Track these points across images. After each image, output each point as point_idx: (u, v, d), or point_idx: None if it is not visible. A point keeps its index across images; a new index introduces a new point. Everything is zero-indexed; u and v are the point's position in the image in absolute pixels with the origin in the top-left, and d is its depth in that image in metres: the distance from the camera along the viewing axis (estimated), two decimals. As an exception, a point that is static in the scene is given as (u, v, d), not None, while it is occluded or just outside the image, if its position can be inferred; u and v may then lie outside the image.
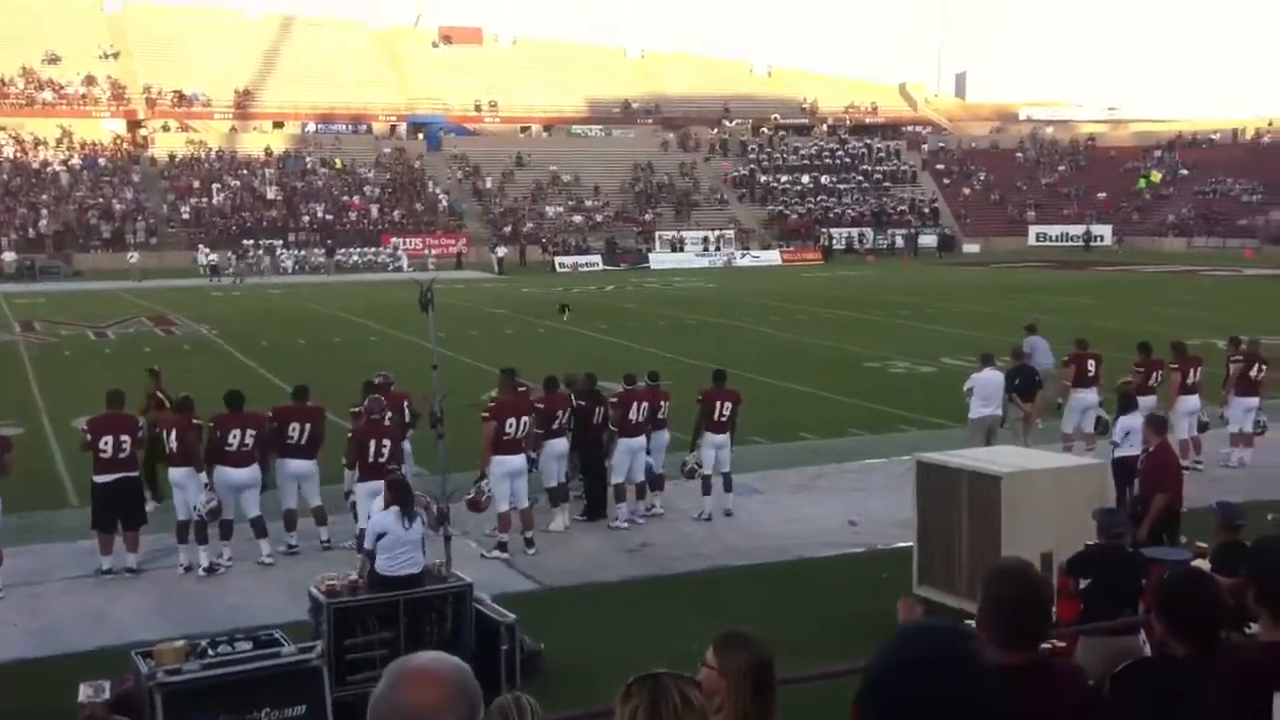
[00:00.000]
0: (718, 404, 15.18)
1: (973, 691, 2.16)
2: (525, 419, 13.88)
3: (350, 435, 13.56)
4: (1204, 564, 6.95)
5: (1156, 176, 77.98)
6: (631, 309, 41.32)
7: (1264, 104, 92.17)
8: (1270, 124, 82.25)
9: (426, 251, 65.54)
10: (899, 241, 71.81)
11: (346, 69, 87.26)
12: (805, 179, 79.48)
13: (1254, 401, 17.51)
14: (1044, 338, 19.99)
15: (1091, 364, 17.86)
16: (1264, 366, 17.69)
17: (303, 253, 64.17)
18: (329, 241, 65.38)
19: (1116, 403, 15.16)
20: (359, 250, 65.49)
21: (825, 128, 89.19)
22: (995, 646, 3.60)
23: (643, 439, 14.87)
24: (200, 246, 60.56)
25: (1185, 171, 77.72)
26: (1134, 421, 14.63)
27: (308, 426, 13.86)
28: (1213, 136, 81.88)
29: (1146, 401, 16.75)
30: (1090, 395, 17.67)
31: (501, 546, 13.50)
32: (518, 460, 13.77)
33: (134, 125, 78.97)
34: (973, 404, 16.83)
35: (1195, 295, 42.40)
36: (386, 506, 10.07)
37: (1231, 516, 8.84)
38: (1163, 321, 32.55)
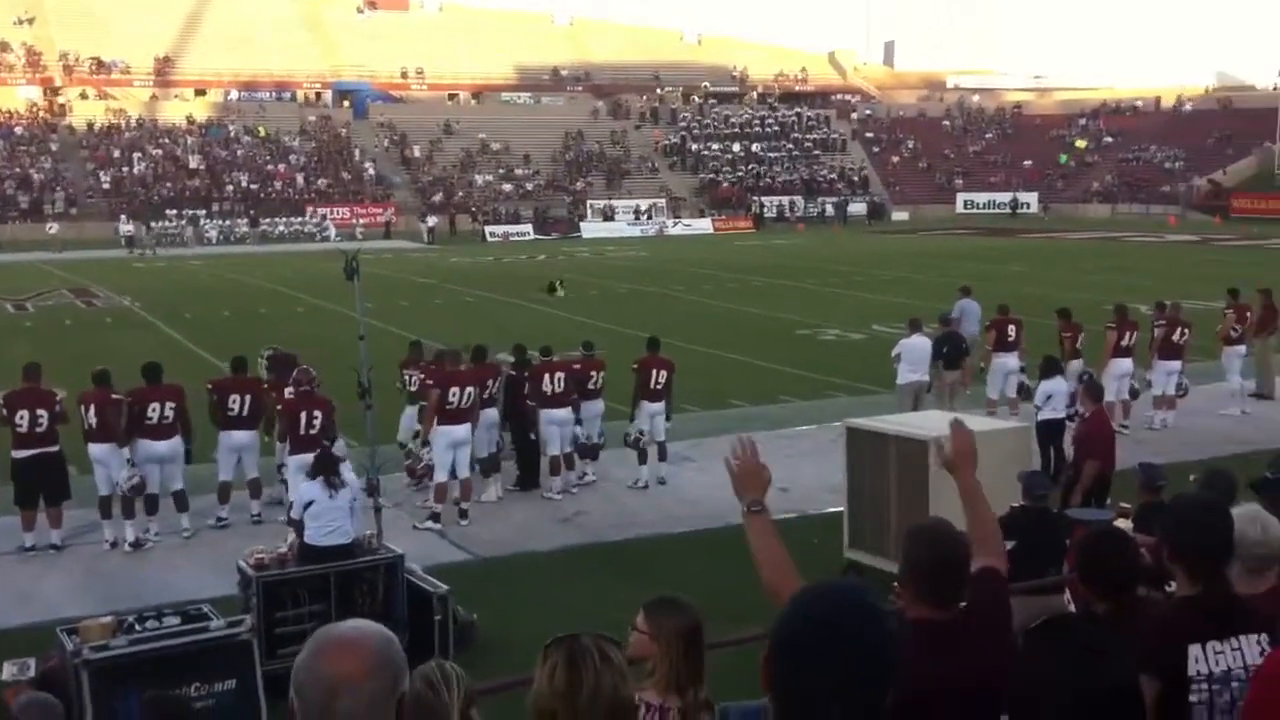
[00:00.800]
0: (653, 372, 15.19)
1: (874, 644, 2.19)
2: (470, 389, 13.81)
3: (280, 409, 13.40)
4: (1126, 524, 7.08)
5: (1082, 144, 79.00)
6: (564, 278, 41.18)
7: (1185, 72, 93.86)
8: (1210, 90, 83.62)
9: (354, 221, 64.77)
10: (829, 209, 72.21)
11: (270, 35, 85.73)
12: (736, 147, 79.57)
13: (1176, 365, 17.84)
14: (976, 302, 20.22)
15: (1012, 329, 18.09)
16: (1186, 330, 18.03)
17: (227, 223, 63.15)
18: (252, 211, 64.35)
19: (1040, 367, 15.38)
20: (285, 220, 64.57)
21: (755, 96, 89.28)
22: (917, 604, 3.66)
23: (565, 410, 14.80)
24: (121, 217, 59.37)
25: (1109, 139, 78.83)
26: (1056, 385, 14.87)
27: (248, 398, 13.71)
28: (1136, 104, 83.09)
29: (1072, 366, 17.04)
30: (1011, 360, 17.89)
31: (435, 518, 13.43)
32: (461, 430, 13.71)
33: (51, 93, 77.06)
34: (900, 370, 17.01)
35: (1120, 261, 43.10)
36: (312, 477, 10.00)
37: (1153, 477, 9.03)
38: (1088, 288, 33.07)
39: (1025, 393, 17.71)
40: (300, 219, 65.00)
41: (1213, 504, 4.19)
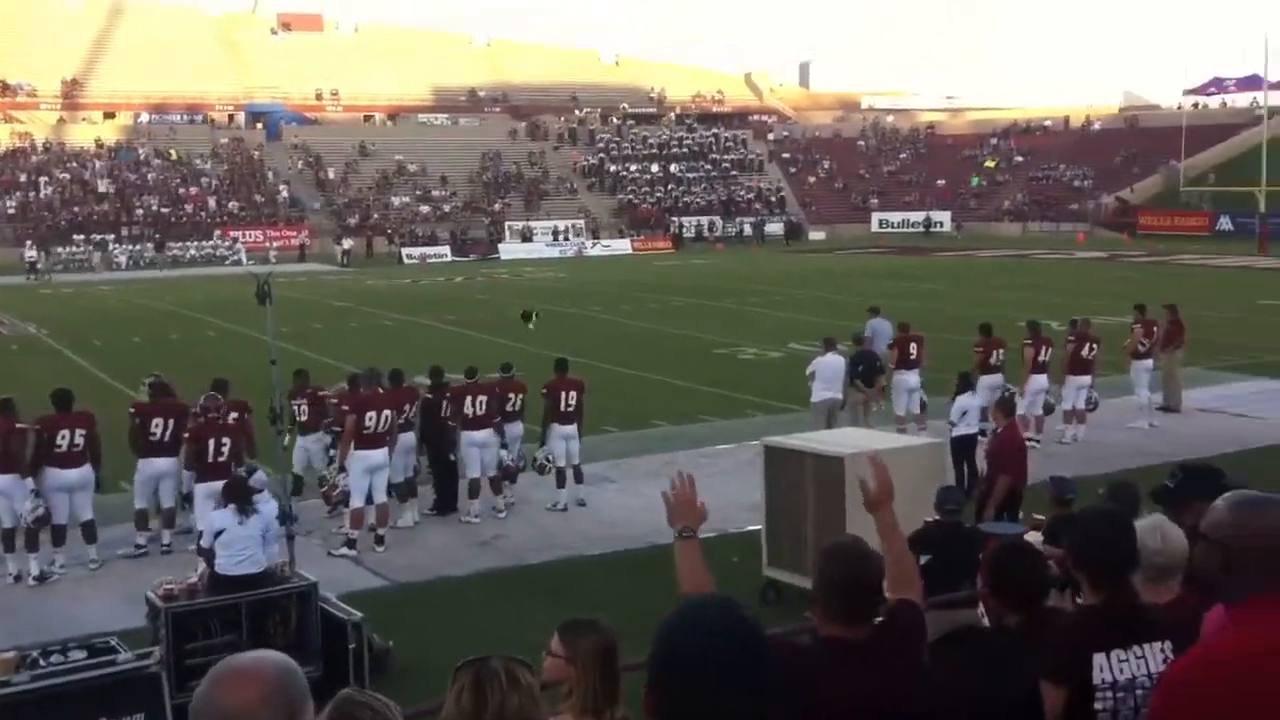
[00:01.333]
0: (562, 394, 15.13)
1: (745, 655, 2.19)
2: (387, 413, 13.66)
3: (187, 436, 13.14)
4: (1037, 537, 7.18)
5: (992, 163, 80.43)
6: (482, 300, 41.02)
7: (1093, 92, 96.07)
8: (1118, 110, 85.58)
9: (267, 244, 63.96)
10: (747, 229, 72.74)
11: (181, 57, 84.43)
12: (655, 168, 79.89)
13: (1086, 380, 18.17)
14: (886, 320, 20.45)
15: (913, 347, 18.33)
16: (1095, 346, 18.38)
17: (137, 247, 61.99)
18: (157, 236, 63.11)
19: (955, 383, 15.58)
20: (196, 244, 63.56)
21: (673, 117, 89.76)
22: (829, 623, 3.67)
23: (487, 432, 14.70)
24: (27, 243, 58.03)
25: (1020, 158, 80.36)
26: (970, 401, 15.08)
27: (170, 423, 13.43)
28: (1045, 124, 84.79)
29: (990, 380, 17.30)
30: (912, 377, 18.13)
31: (350, 544, 13.25)
32: (378, 455, 13.54)
33: (-46, 116, 75.28)
34: (814, 388, 17.13)
35: (1031, 278, 43.89)
36: (223, 505, 9.82)
37: (1063, 490, 9.18)
38: (1001, 305, 33.62)
39: (923, 409, 17.99)
40: (212, 243, 64.05)
41: (1115, 516, 4.26)
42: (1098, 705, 3.83)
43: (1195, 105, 75.48)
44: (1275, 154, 56.34)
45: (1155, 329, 19.73)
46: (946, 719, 3.72)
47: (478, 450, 14.63)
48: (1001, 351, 18.09)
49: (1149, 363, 19.43)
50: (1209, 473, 5.83)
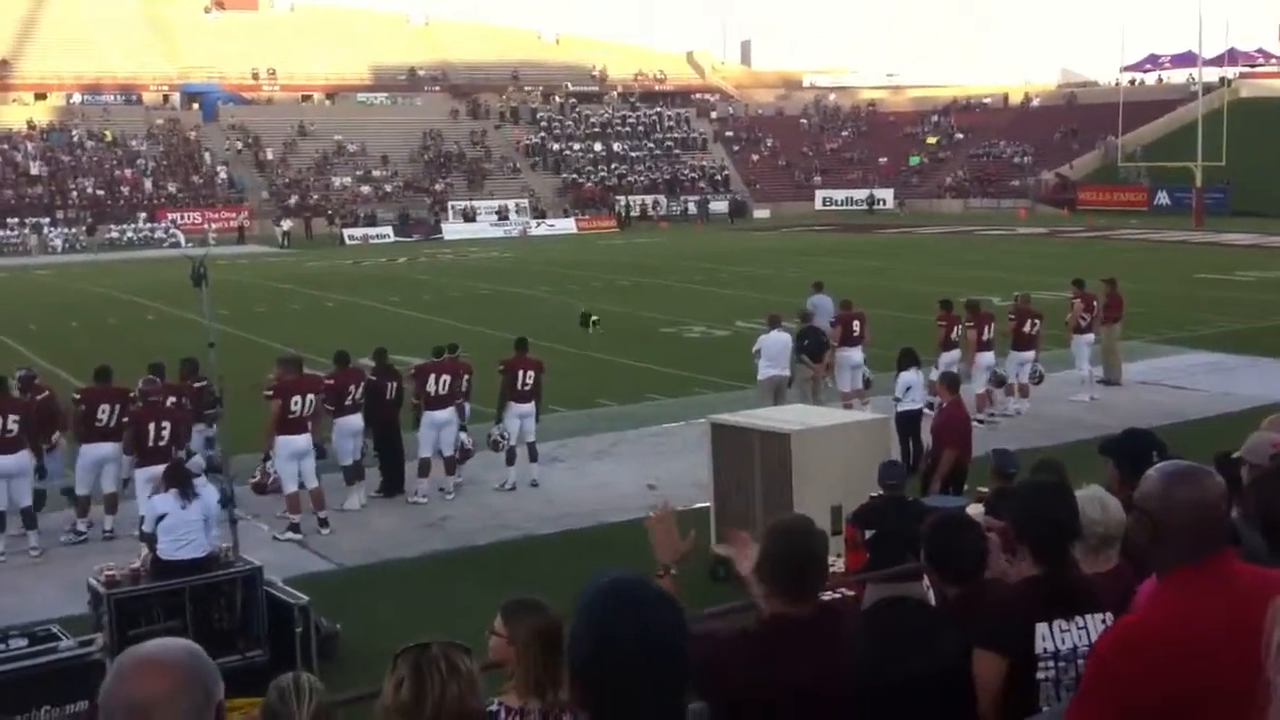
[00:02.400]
0: (520, 373, 15.09)
1: (655, 629, 2.21)
2: (311, 397, 13.54)
3: (127, 419, 12.98)
4: (979, 510, 7.26)
5: (933, 140, 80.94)
6: (425, 280, 40.77)
7: (1032, 69, 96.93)
8: (1056, 87, 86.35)
9: (206, 226, 63.14)
10: (691, 208, 72.77)
11: (113, 37, 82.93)
12: (598, 147, 79.66)
13: (1029, 355, 18.37)
14: (829, 297, 20.55)
15: (857, 324, 18.46)
16: (1037, 321, 18.55)
17: (72, 230, 60.98)
18: (89, 219, 61.99)
19: (897, 359, 15.70)
20: (133, 226, 62.61)
21: (616, 95, 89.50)
22: (773, 600, 3.71)
23: (448, 412, 14.65)
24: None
25: (960, 135, 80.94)
26: (914, 377, 15.21)
27: (117, 408, 13.25)
28: (985, 101, 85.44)
29: (949, 356, 17.50)
30: (855, 354, 18.27)
31: (294, 528, 13.15)
32: (303, 440, 13.42)
33: (-120, 98, 73.53)
34: (760, 365, 17.20)
35: (975, 254, 44.28)
36: (165, 489, 9.71)
37: (1005, 464, 9.28)
38: (945, 282, 33.91)
39: (867, 384, 18.14)
40: (149, 225, 63.12)
41: (1055, 486, 4.31)
42: (1040, 675, 3.88)
43: (1132, 82, 76.39)
44: (1210, 129, 57.17)
45: (1095, 303, 19.97)
46: (869, 694, 3.74)
47: (435, 430, 14.56)
48: (959, 328, 18.21)
49: (1090, 337, 19.69)
50: (1147, 439, 5.92)
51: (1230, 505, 3.51)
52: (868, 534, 8.57)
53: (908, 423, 14.92)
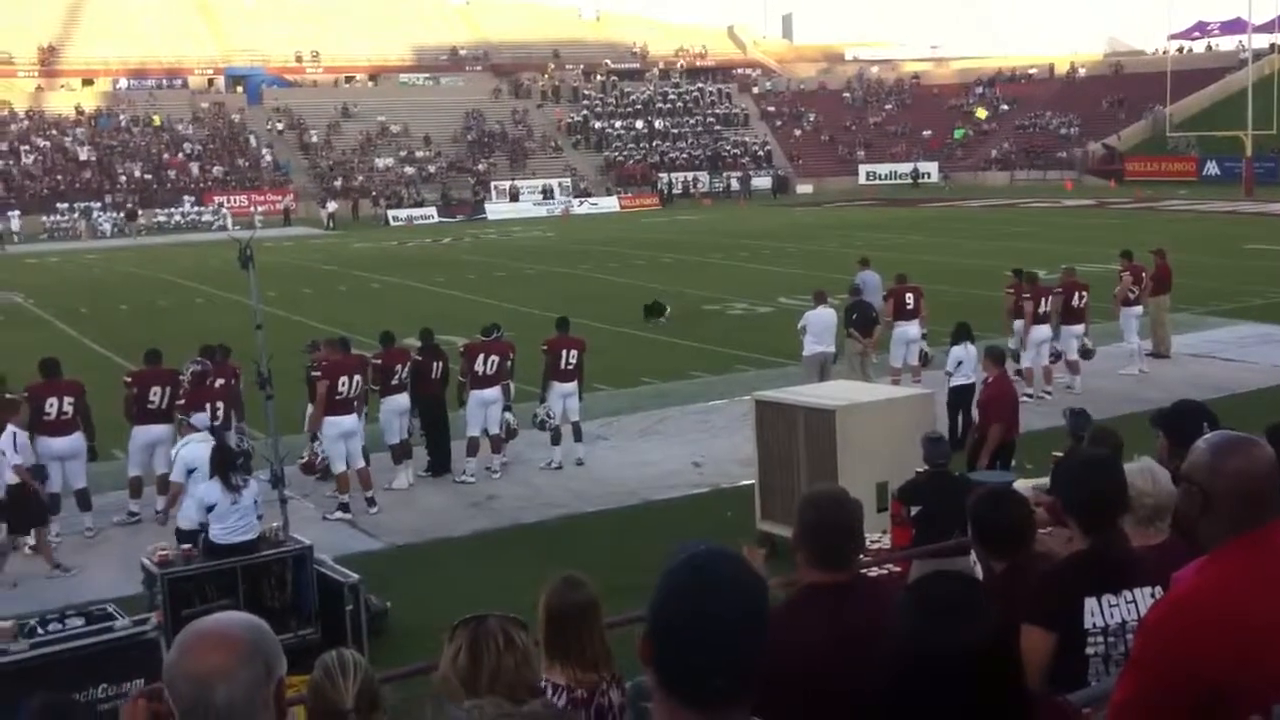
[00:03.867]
0: (563, 352, 15.11)
1: (745, 611, 2.19)
2: (358, 378, 13.64)
3: (181, 402, 13.15)
4: (1026, 485, 7.22)
5: (983, 113, 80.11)
6: (470, 260, 40.92)
7: (1078, 39, 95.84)
8: (1102, 57, 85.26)
9: (252, 209, 63.64)
10: (734, 184, 72.53)
11: (157, 21, 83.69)
12: (639, 124, 79.50)
13: (1078, 329, 18.11)
14: (875, 273, 20.43)
15: (910, 298, 18.28)
16: (1084, 294, 18.31)
17: (121, 215, 61.67)
18: (129, 205, 62.45)
19: (951, 334, 15.55)
20: (180, 210, 63.22)
21: (657, 72, 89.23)
22: (809, 569, 3.74)
23: (495, 390, 14.71)
24: (9, 212, 57.65)
25: (1005, 107, 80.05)
26: (964, 352, 15.09)
27: (168, 390, 13.48)
28: (1030, 72, 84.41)
29: (1020, 325, 17.47)
30: (911, 328, 18.08)
31: (343, 508, 13.27)
32: (350, 420, 13.52)
33: (-69, 85, 74.58)
34: (806, 341, 17.13)
35: (1022, 227, 43.87)
36: (211, 476, 9.82)
37: (1079, 425, 9.18)
38: (991, 255, 33.67)
39: (925, 359, 17.97)
40: (197, 208, 63.72)
41: (1103, 459, 4.28)
42: (1089, 650, 3.86)
43: (1180, 50, 75.22)
44: (1261, 97, 56.25)
45: (1144, 275, 19.72)
46: (892, 660, 3.74)
47: (483, 409, 14.63)
48: (1047, 299, 17.96)
49: (1138, 309, 19.43)
50: (1199, 410, 5.86)
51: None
52: (913, 510, 8.54)
53: (959, 397, 14.81)
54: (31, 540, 12.39)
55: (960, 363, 15.00)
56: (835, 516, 3.76)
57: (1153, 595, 3.84)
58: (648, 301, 25.71)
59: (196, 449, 10.85)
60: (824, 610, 3.65)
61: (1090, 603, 3.86)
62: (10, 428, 11.72)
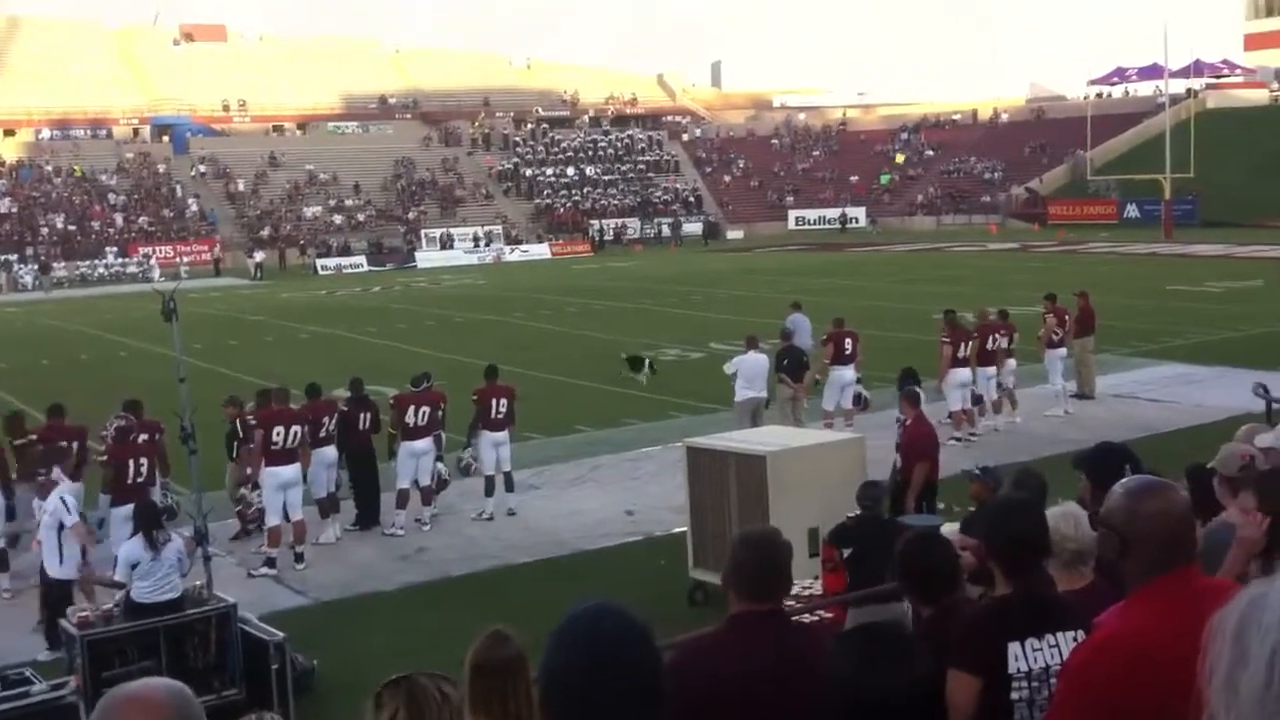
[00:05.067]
0: (493, 401, 15.03)
1: (637, 663, 2.22)
2: (296, 428, 13.47)
3: (105, 459, 12.86)
4: (952, 528, 7.26)
5: (900, 158, 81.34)
6: (400, 309, 40.67)
7: (1000, 86, 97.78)
8: (1034, 100, 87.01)
9: (178, 260, 62.82)
10: (665, 230, 72.92)
11: (82, 71, 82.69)
12: (570, 171, 79.77)
13: (990, 370, 18.28)
14: (806, 316, 20.57)
15: (849, 342, 18.41)
16: (997, 337, 18.41)
17: (35, 268, 60.49)
18: (42, 258, 61.26)
19: (898, 378, 15.57)
20: (104, 262, 62.26)
21: (587, 120, 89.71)
22: (740, 603, 3.84)
23: (426, 441, 14.61)
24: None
25: (931, 152, 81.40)
26: None
27: (74, 445, 13.17)
28: (955, 118, 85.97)
29: (986, 371, 17.83)
30: (848, 372, 18.20)
31: (270, 563, 13.04)
32: (290, 471, 13.35)
33: None
34: (738, 387, 17.17)
35: (947, 271, 44.47)
36: (134, 533, 9.62)
37: (988, 479, 9.29)
38: (918, 299, 34.08)
39: (861, 403, 18.07)
40: (121, 260, 62.81)
41: (1024, 503, 4.31)
42: (1014, 694, 3.87)
43: (1100, 95, 77.02)
44: (1178, 141, 57.65)
45: (1067, 317, 20.03)
46: (826, 707, 3.80)
47: (414, 460, 14.49)
48: (991, 338, 18.21)
49: (1063, 351, 19.72)
50: (1119, 452, 5.93)
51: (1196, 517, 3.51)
52: (845, 553, 8.55)
53: None
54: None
55: None
56: (767, 554, 3.85)
57: (1075, 638, 3.86)
58: (628, 355, 24.36)
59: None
60: (756, 636, 3.74)
61: (1014, 647, 3.87)
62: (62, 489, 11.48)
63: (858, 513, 8.95)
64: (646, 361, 23.51)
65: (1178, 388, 20.73)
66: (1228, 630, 1.12)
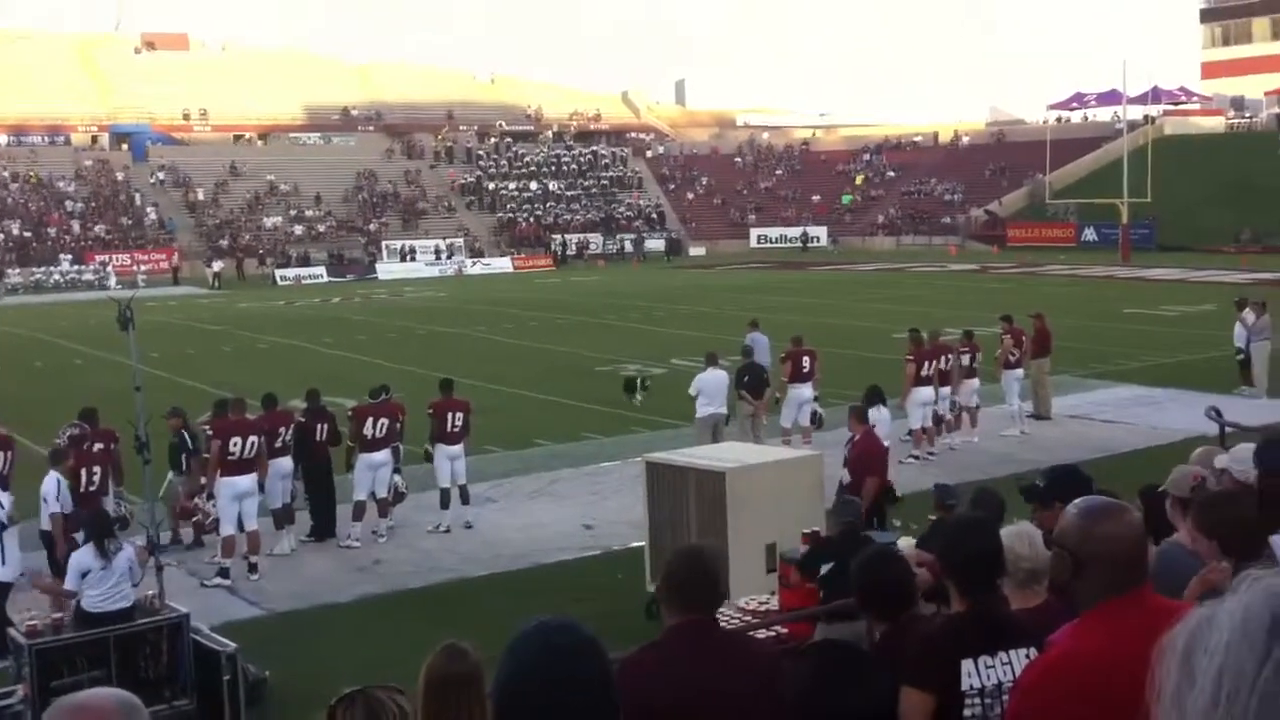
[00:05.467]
0: (449, 415, 14.99)
1: (590, 679, 2.23)
2: (253, 438, 13.37)
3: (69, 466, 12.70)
4: (909, 543, 7.29)
5: (860, 179, 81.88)
6: (359, 321, 40.48)
7: (961, 109, 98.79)
8: (995, 124, 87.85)
9: (135, 268, 62.22)
10: (628, 246, 73.01)
11: (41, 78, 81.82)
12: (534, 186, 79.75)
13: (945, 390, 18.37)
14: (765, 335, 20.63)
15: (807, 360, 18.49)
16: (949, 358, 18.53)
17: (-5, 273, 59.79)
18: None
19: (864, 395, 15.59)
20: (59, 269, 61.58)
21: (551, 135, 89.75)
22: (674, 615, 3.98)
23: (384, 454, 14.54)
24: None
25: (892, 173, 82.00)
26: (878, 414, 15.21)
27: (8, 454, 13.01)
28: (916, 140, 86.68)
29: (971, 384, 18.07)
30: (805, 390, 18.27)
31: (223, 573, 12.92)
32: (246, 481, 13.25)
33: None
34: (699, 403, 17.20)
35: (907, 291, 44.76)
36: (84, 542, 9.50)
37: (945, 496, 9.35)
38: (878, 317, 34.29)
39: (818, 421, 18.13)
40: (77, 267, 62.15)
41: (981, 522, 4.34)
42: (967, 712, 3.89)
43: (1059, 120, 77.90)
44: (1135, 166, 58.37)
45: (1023, 338, 20.20)
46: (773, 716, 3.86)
47: (371, 472, 14.42)
48: (944, 359, 18.30)
49: (1019, 372, 19.87)
50: (1076, 476, 5.97)
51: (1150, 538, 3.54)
52: (824, 569, 8.55)
53: None
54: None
55: (876, 424, 15.10)
56: (697, 566, 3.98)
57: (1028, 656, 3.88)
58: (627, 377, 23.32)
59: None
60: (691, 645, 3.88)
61: (967, 664, 3.90)
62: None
63: (839, 529, 8.89)
64: (639, 382, 22.64)
65: (1133, 409, 20.94)
66: (1176, 650, 1.13)
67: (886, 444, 14.82)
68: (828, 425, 17.80)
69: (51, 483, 11.74)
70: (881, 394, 15.49)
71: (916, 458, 17.30)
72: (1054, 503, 5.09)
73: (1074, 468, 6.54)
